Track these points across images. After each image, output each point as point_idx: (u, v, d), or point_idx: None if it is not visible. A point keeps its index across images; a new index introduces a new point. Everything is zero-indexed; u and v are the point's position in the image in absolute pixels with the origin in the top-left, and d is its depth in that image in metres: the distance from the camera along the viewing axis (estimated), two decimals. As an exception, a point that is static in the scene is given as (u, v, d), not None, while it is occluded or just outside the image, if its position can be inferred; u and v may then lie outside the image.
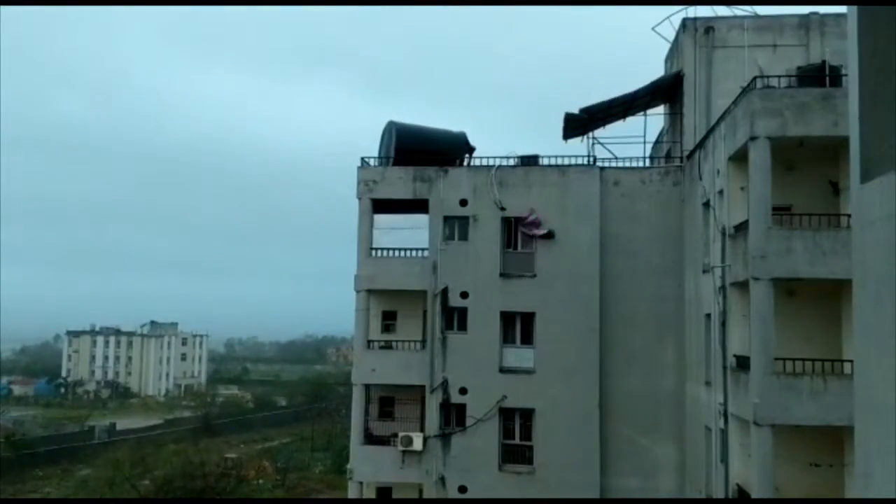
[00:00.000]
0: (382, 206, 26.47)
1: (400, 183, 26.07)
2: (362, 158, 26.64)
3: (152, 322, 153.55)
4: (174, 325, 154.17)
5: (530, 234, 25.37)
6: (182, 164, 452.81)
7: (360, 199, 26.16)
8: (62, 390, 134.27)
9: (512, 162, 26.48)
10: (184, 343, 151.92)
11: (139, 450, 58.84)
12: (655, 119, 29.26)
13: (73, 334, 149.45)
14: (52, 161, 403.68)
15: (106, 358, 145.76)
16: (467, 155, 27.73)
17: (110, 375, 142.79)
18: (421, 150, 26.50)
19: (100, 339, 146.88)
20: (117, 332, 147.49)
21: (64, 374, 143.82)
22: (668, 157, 27.80)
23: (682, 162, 25.50)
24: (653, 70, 34.30)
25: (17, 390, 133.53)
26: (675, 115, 27.06)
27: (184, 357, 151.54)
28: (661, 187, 25.55)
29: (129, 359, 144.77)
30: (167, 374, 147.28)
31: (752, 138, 17.85)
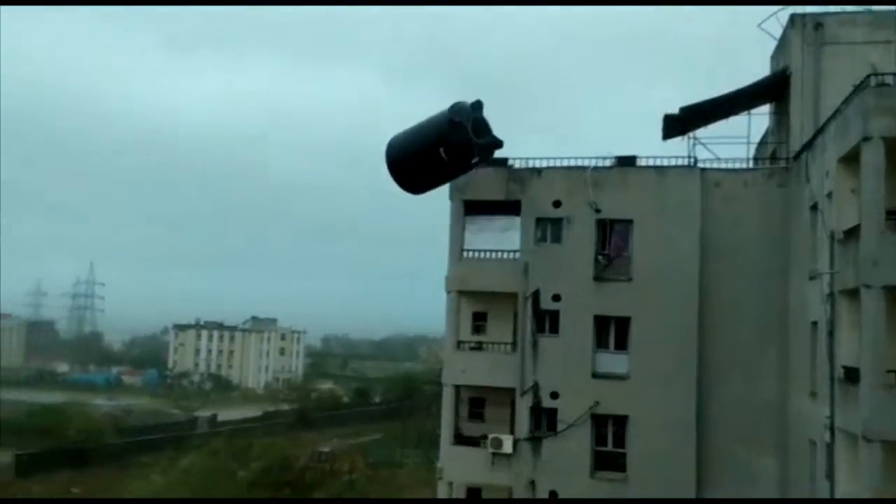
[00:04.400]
0: (474, 207, 26.38)
1: (491, 184, 25.93)
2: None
3: (253, 317, 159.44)
4: (273, 320, 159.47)
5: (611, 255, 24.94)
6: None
7: (451, 200, 26.21)
8: (168, 381, 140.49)
9: (608, 163, 25.99)
10: (282, 338, 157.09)
11: (238, 441, 60.88)
12: (760, 119, 28.29)
13: (180, 328, 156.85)
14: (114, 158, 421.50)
15: (209, 351, 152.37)
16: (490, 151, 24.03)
17: (213, 368, 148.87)
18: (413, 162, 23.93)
19: (204, 333, 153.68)
20: (220, 327, 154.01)
21: (170, 365, 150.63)
22: (774, 157, 26.86)
23: (788, 163, 24.62)
24: (756, 69, 33.08)
25: (127, 380, 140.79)
26: (780, 115, 26.11)
27: (282, 352, 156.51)
28: (766, 189, 24.64)
29: (231, 352, 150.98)
30: (266, 368, 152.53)
31: (866, 138, 17.11)
